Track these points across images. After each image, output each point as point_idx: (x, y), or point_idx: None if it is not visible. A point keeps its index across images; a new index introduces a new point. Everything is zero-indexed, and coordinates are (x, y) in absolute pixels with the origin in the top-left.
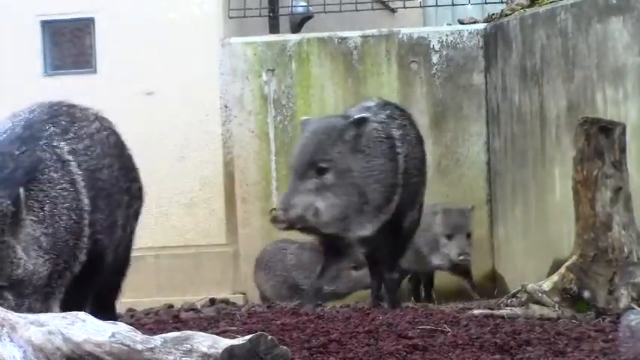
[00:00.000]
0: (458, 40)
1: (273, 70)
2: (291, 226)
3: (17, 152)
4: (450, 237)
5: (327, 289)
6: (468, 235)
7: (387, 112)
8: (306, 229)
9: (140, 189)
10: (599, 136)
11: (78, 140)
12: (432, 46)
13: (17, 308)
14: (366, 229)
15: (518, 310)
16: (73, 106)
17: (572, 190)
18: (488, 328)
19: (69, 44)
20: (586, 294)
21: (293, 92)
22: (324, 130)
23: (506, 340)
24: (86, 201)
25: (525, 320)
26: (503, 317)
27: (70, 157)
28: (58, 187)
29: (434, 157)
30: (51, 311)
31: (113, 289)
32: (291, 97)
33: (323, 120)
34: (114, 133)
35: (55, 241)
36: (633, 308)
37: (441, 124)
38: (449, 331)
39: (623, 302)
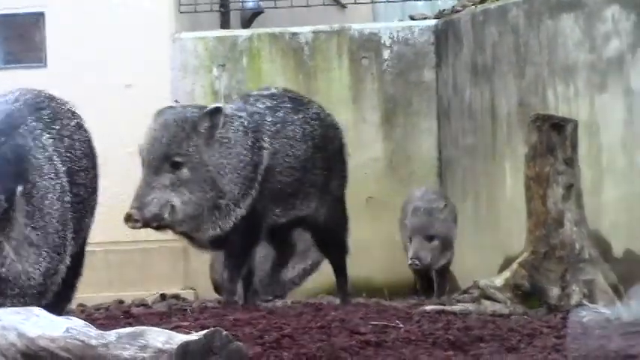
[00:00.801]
0: (409, 36)
1: (223, 66)
2: (146, 224)
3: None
4: (410, 239)
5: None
6: (431, 238)
7: (268, 103)
8: (161, 227)
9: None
10: (551, 133)
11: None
12: (383, 42)
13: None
14: (219, 228)
15: (470, 306)
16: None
17: (524, 186)
18: (441, 324)
19: (19, 39)
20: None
21: (244, 88)
22: (177, 122)
23: (459, 336)
24: (69, 197)
25: (478, 316)
26: (455, 313)
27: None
28: (47, 179)
29: (385, 153)
30: None
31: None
32: (242, 92)
33: (177, 110)
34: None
35: (46, 237)
36: (584, 305)
37: (392, 119)
38: (401, 327)
39: (575, 299)
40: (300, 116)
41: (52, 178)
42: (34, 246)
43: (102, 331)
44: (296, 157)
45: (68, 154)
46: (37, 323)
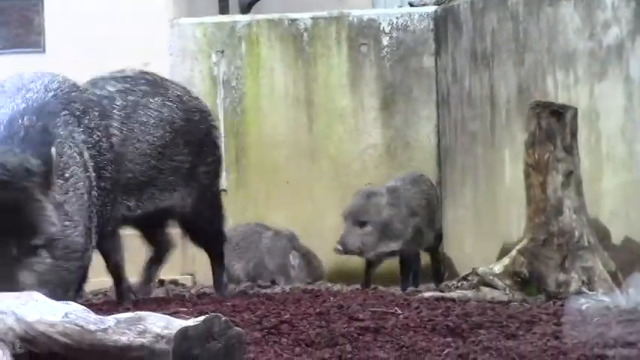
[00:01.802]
0: (408, 22)
1: (222, 52)
2: None
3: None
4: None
5: None
6: (363, 224)
7: (120, 86)
8: None
9: None
10: (550, 120)
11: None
12: (382, 29)
13: (51, 271)
14: None
15: (469, 293)
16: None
17: (523, 173)
18: (440, 311)
19: (17, 23)
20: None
21: (242, 74)
22: None
23: (458, 322)
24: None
25: (476, 303)
26: (454, 300)
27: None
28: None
29: (384, 140)
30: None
31: None
32: (240, 78)
33: None
34: None
35: (79, 210)
36: (583, 292)
37: (391, 106)
38: (400, 314)
39: (574, 286)
40: (157, 99)
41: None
42: (72, 216)
43: (101, 316)
44: (150, 143)
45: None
46: (36, 308)
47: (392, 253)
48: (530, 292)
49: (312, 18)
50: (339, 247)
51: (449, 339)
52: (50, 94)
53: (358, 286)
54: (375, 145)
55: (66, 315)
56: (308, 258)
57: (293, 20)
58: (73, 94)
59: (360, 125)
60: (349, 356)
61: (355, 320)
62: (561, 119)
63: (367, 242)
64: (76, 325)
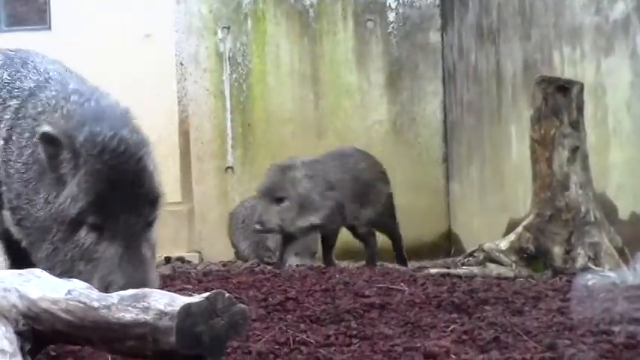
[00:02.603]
0: None
1: (228, 28)
2: None
3: None
4: None
5: None
6: (280, 200)
7: None
8: None
9: None
10: (556, 95)
11: None
12: (388, 5)
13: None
14: None
15: (475, 269)
16: None
17: (529, 149)
18: (446, 287)
19: (23, 1)
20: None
21: (248, 50)
22: None
23: (464, 299)
24: None
25: (482, 279)
26: (460, 276)
27: None
28: None
29: (390, 116)
30: None
31: None
32: (246, 54)
33: None
34: None
35: None
36: (590, 268)
37: (397, 82)
38: (406, 290)
39: (580, 262)
40: None
41: None
42: None
43: (104, 293)
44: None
45: None
46: (39, 285)
47: (312, 228)
48: (536, 268)
49: None
50: (257, 227)
51: (454, 315)
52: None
53: (364, 262)
54: (381, 121)
55: (69, 292)
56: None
57: None
58: None
59: (366, 101)
60: (354, 332)
61: (361, 297)
62: (567, 94)
63: (286, 218)
64: (79, 302)
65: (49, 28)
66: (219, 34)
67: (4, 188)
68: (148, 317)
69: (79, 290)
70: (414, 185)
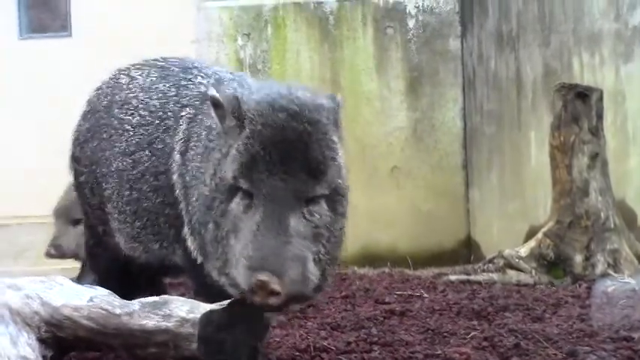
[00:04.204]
0: (434, 4)
1: (248, 35)
2: None
3: None
4: None
5: None
6: (76, 222)
7: None
8: None
9: None
10: (576, 102)
11: None
12: (408, 11)
13: (332, 224)
14: None
15: (495, 276)
16: None
17: (549, 155)
18: (466, 294)
19: (44, 8)
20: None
21: (269, 57)
22: None
23: (484, 305)
24: None
25: (502, 286)
26: (480, 283)
27: None
28: None
29: (410, 123)
30: None
31: None
32: (266, 61)
33: None
34: None
35: None
36: (609, 274)
37: (417, 89)
38: (426, 297)
39: (600, 268)
40: None
41: None
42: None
43: (126, 300)
44: None
45: None
46: (61, 292)
47: None
48: (556, 275)
49: (337, 1)
50: (53, 252)
51: (474, 322)
52: None
53: (385, 269)
54: (401, 127)
55: (91, 299)
56: None
57: (319, 3)
58: None
59: (386, 108)
60: (375, 339)
61: (381, 303)
62: (587, 101)
63: (81, 243)
64: (102, 309)
65: (70, 34)
66: (240, 41)
67: (181, 206)
68: (170, 324)
69: (101, 297)
70: (433, 192)
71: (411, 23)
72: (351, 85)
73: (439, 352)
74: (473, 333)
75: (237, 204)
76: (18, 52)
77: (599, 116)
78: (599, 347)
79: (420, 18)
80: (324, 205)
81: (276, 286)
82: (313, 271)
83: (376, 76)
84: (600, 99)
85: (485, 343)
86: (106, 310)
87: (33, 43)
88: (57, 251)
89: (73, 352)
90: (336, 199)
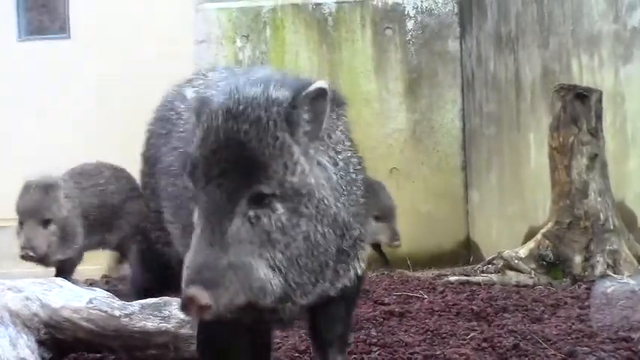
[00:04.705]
0: (433, 6)
1: (247, 36)
2: None
3: None
4: (21, 224)
5: None
6: (47, 222)
7: None
8: None
9: None
10: (575, 103)
11: None
12: (406, 13)
13: (289, 226)
14: None
15: (494, 277)
16: None
17: (548, 156)
18: (465, 295)
19: (43, 9)
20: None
21: (267, 59)
22: None
23: (483, 306)
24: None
25: (501, 287)
26: (479, 284)
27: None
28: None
29: (409, 124)
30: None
31: None
32: (265, 63)
33: None
34: None
35: (348, 190)
36: (609, 275)
37: (416, 90)
38: (425, 298)
39: (599, 269)
40: None
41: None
42: (331, 185)
43: (125, 302)
44: None
45: None
46: (61, 294)
47: (69, 261)
48: (555, 276)
49: (336, 2)
50: (31, 254)
51: (474, 323)
52: None
53: (384, 270)
54: (400, 129)
55: (90, 301)
56: (374, 189)
57: (317, 5)
58: None
59: (385, 109)
60: (374, 340)
61: (380, 305)
62: (586, 102)
63: (52, 245)
64: (101, 310)
65: (69, 36)
66: (238, 43)
67: None
68: (169, 325)
69: (101, 299)
70: (432, 193)
71: (409, 24)
72: (349, 87)
73: (438, 353)
74: (472, 334)
75: (194, 214)
76: (17, 54)
77: (599, 117)
78: (598, 348)
79: (419, 19)
80: (276, 207)
81: (205, 300)
82: (265, 279)
83: (375, 77)
84: (599, 100)
85: (484, 344)
86: (105, 311)
87: (32, 45)
88: (35, 253)
89: (73, 354)
90: (295, 199)
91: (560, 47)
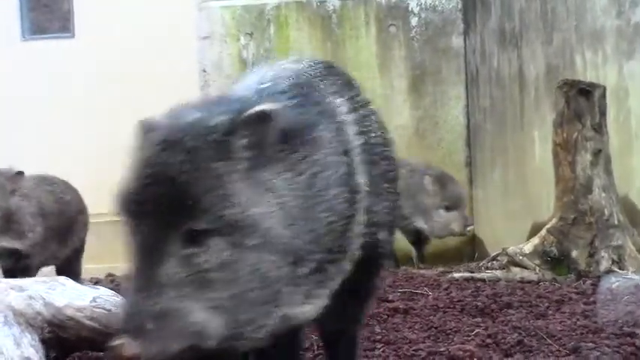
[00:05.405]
0: (436, 3)
1: (251, 34)
2: None
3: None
4: None
5: (422, 228)
6: None
7: None
8: None
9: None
10: (578, 99)
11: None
12: (410, 9)
13: (230, 262)
14: None
15: (498, 273)
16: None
17: (552, 152)
18: (469, 291)
19: (47, 9)
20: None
21: (271, 56)
22: None
23: (488, 303)
24: (362, 179)
25: (506, 283)
26: (484, 280)
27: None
28: (329, 147)
29: (413, 121)
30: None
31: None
32: (269, 60)
33: None
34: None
35: (310, 212)
36: (613, 271)
37: (420, 87)
38: (430, 295)
39: (604, 265)
40: None
41: (335, 151)
42: (286, 212)
43: None
44: None
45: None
46: (64, 292)
47: (12, 254)
48: (559, 272)
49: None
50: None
51: (478, 319)
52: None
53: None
54: (404, 125)
55: (94, 299)
56: (443, 181)
57: (321, 2)
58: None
59: (389, 106)
60: (378, 337)
61: (384, 301)
62: (590, 98)
63: None
64: (104, 309)
65: (73, 35)
66: (242, 41)
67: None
68: None
69: (105, 297)
70: None
71: (413, 21)
72: None
73: (442, 349)
74: (476, 330)
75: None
76: (21, 54)
77: (602, 113)
78: (602, 344)
79: (423, 16)
80: (213, 243)
81: (132, 350)
82: (203, 322)
83: (379, 74)
84: (603, 96)
85: (488, 340)
86: (108, 310)
87: (36, 45)
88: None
89: (77, 353)
90: (235, 232)
91: (563, 43)
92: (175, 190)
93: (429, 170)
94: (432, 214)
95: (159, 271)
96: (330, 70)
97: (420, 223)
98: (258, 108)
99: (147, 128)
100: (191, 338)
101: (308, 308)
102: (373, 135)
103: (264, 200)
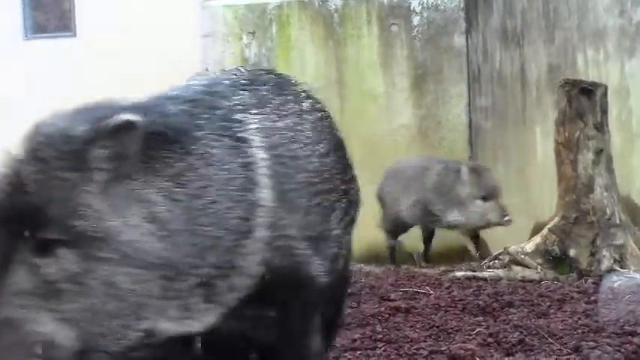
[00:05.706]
0: (438, 1)
1: (253, 33)
2: None
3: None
4: None
5: (455, 220)
6: None
7: None
8: None
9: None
10: (580, 98)
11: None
12: (412, 8)
13: (80, 274)
14: None
15: (500, 272)
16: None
17: (554, 151)
18: (471, 290)
19: (48, 8)
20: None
21: (274, 55)
22: None
23: (489, 302)
24: (266, 193)
25: (508, 282)
26: (485, 279)
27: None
28: (219, 160)
29: (415, 120)
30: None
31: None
32: (271, 59)
33: None
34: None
35: (192, 225)
36: (615, 270)
37: (422, 86)
38: (431, 294)
39: (605, 264)
40: None
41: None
42: (163, 227)
43: None
44: None
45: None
46: None
47: None
48: (561, 271)
49: None
50: None
51: (480, 318)
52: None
53: (390, 266)
54: (406, 124)
55: None
56: (479, 171)
57: (323, 1)
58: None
59: (391, 105)
60: (380, 336)
61: (386, 300)
62: (591, 97)
63: None
64: None
65: (74, 35)
66: (245, 40)
67: None
68: None
69: None
70: None
71: (415, 20)
72: (356, 83)
73: (444, 348)
74: (478, 329)
75: None
76: (23, 53)
77: (604, 112)
78: (604, 343)
79: (425, 15)
80: (63, 253)
81: None
82: (50, 333)
83: (381, 73)
84: (605, 95)
85: (490, 339)
86: None
87: (37, 44)
88: None
89: None
90: (88, 244)
91: (565, 42)
92: (26, 199)
93: (463, 162)
94: (468, 204)
95: (6, 280)
96: (255, 81)
97: (454, 216)
98: (117, 118)
99: (26, 135)
100: (40, 350)
101: (189, 322)
102: (295, 147)
103: (128, 212)
